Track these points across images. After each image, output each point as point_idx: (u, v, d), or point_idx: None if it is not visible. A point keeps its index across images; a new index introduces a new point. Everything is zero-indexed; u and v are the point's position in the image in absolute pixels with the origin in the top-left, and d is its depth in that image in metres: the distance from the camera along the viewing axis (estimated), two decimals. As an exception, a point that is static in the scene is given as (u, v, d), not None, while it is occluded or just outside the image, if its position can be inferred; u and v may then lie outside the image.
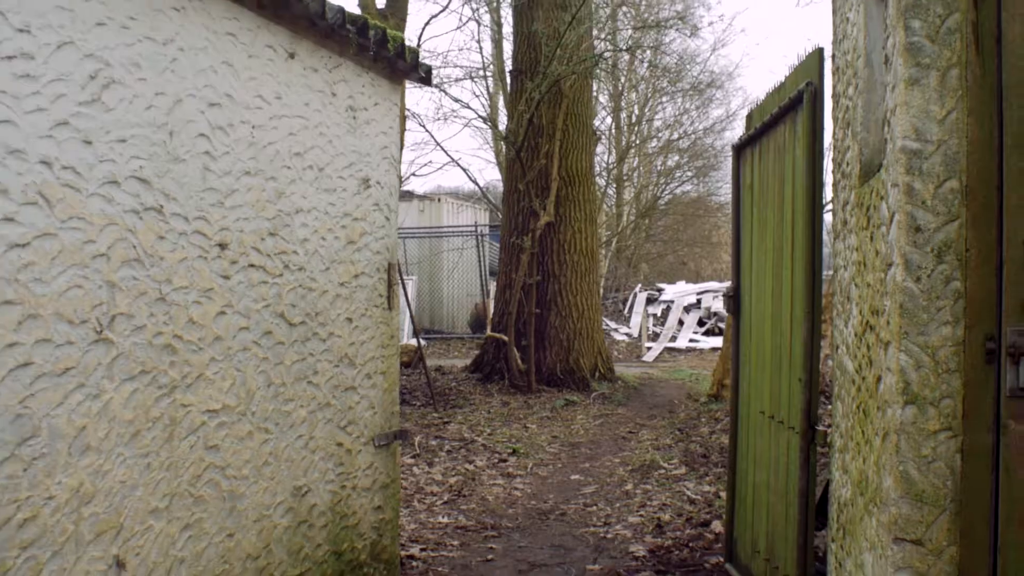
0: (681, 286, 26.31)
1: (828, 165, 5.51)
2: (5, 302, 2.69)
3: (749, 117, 6.36)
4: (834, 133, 4.59)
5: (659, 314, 24.55)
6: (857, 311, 3.55)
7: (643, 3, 28.01)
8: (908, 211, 2.61)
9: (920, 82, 2.58)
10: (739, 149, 6.46)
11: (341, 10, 4.29)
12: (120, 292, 3.12)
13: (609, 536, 7.48)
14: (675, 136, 34.21)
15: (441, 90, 6.85)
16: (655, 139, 34.07)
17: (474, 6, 17.06)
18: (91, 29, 2.98)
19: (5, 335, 2.69)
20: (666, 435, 11.85)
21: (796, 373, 5.04)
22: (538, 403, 13.65)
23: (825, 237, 5.26)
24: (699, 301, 24.40)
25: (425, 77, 5.23)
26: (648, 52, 17.71)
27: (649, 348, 21.83)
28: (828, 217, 7.71)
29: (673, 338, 22.83)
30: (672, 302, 24.42)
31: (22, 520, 2.76)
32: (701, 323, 23.89)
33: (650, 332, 23.42)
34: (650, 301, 25.06)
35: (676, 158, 35.15)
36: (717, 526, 7.51)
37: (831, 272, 5.16)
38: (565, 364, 14.59)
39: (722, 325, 23.40)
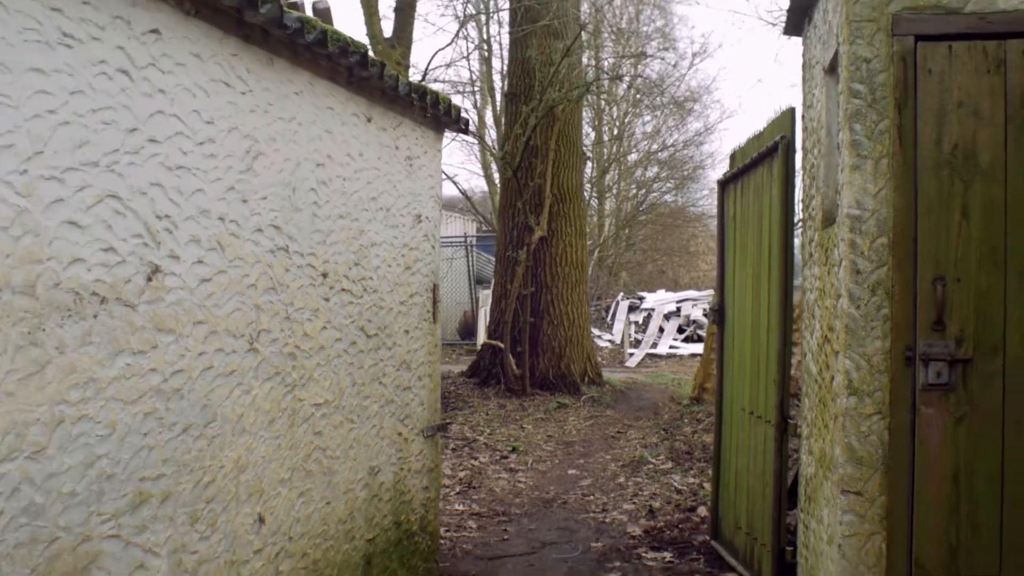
0: (661, 294, 27.39)
1: (798, 203, 6.54)
2: (198, 322, 3.70)
3: (732, 157, 7.42)
4: (803, 179, 5.67)
5: (640, 321, 25.61)
6: (819, 327, 4.61)
7: (624, 18, 29.08)
8: (851, 259, 3.66)
9: (860, 168, 3.64)
10: (723, 184, 7.53)
11: (408, 83, 5.33)
12: (263, 313, 4.14)
13: (607, 520, 8.51)
14: (654, 148, 35.28)
15: (472, 134, 7.67)
16: (635, 151, 35.14)
17: (470, 35, 18.06)
18: (246, 116, 4.00)
19: (197, 346, 3.70)
20: (652, 434, 12.89)
21: (771, 376, 6.10)
22: (532, 405, 14.67)
23: (796, 260, 6.31)
24: (679, 309, 25.50)
25: (464, 128, 6.27)
26: (633, 72, 18.75)
27: (631, 354, 22.88)
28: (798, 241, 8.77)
29: (654, 345, 23.89)
30: (653, 310, 25.49)
31: (207, 482, 3.77)
32: (681, 330, 24.97)
33: (632, 339, 24.48)
34: (632, 309, 26.12)
35: (655, 170, 36.26)
36: (702, 511, 8.56)
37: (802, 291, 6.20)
38: (557, 369, 15.62)
39: (701, 332, 24.50)
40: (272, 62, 4.17)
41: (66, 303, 2.99)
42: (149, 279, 3.38)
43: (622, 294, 27.87)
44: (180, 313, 3.56)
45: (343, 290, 4.87)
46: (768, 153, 6.26)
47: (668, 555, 7.35)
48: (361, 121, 5.04)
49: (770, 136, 6.30)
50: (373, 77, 4.95)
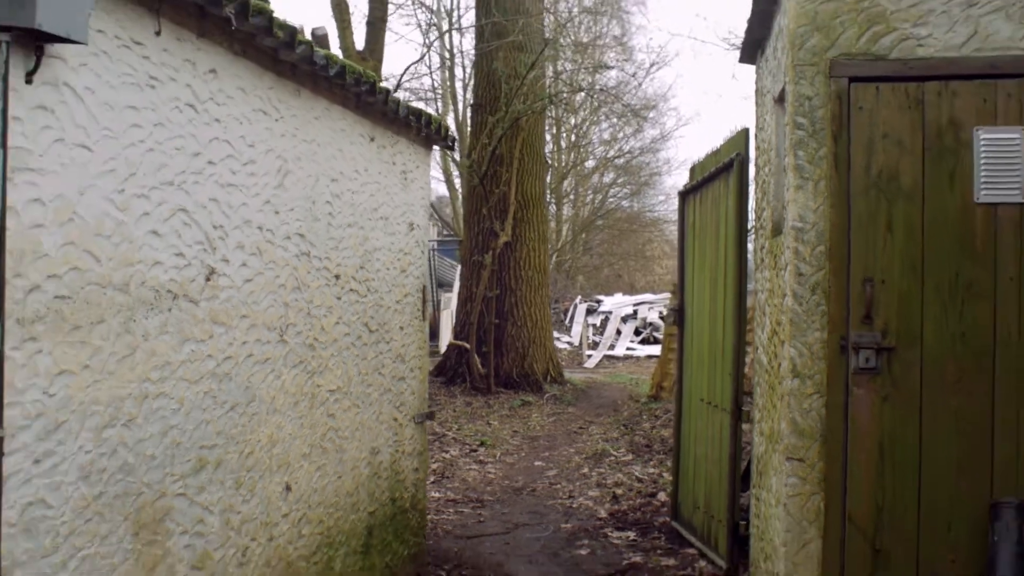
0: (618, 298, 28.16)
1: (751, 213, 7.26)
2: (242, 316, 4.33)
3: (692, 170, 8.14)
4: (756, 193, 6.39)
5: (598, 324, 26.37)
6: (768, 322, 5.33)
7: (582, 29, 29.84)
8: (795, 264, 4.37)
9: (803, 188, 4.35)
10: (684, 195, 8.25)
11: (407, 106, 5.99)
12: (290, 309, 4.78)
13: (574, 505, 9.20)
14: (611, 154, 36.08)
15: (450, 148, 8.15)
16: (591, 157, 35.93)
17: (434, 45, 18.73)
18: (278, 139, 4.64)
19: (241, 336, 4.33)
20: (613, 430, 13.61)
21: (727, 369, 6.82)
22: (498, 403, 15.34)
23: (749, 265, 7.03)
24: (636, 312, 26.28)
25: (451, 145, 6.93)
26: (591, 82, 19.49)
27: (590, 356, 23.62)
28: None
29: (612, 346, 24.64)
30: (610, 313, 26.25)
31: (248, 453, 4.40)
32: (637, 332, 25.75)
33: (590, 341, 25.23)
34: (589, 312, 26.87)
35: (611, 176, 37.10)
36: (662, 496, 9.28)
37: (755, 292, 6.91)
38: (521, 369, 16.31)
39: (657, 335, 25.29)
40: (299, 92, 4.81)
41: (149, 299, 3.62)
42: (207, 279, 4.02)
43: (580, 297, 28.62)
44: (229, 308, 4.20)
45: (351, 290, 5.51)
46: (725, 168, 6.98)
47: (632, 534, 8.04)
48: (366, 140, 5.68)
49: (726, 153, 7.02)
50: (378, 102, 5.60)
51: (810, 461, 4.35)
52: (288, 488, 4.79)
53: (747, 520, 6.76)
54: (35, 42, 2.97)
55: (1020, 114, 4.19)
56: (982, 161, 4.20)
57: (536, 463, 11.44)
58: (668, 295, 29.21)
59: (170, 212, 3.74)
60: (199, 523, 3.99)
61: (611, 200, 37.22)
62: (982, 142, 4.21)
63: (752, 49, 6.29)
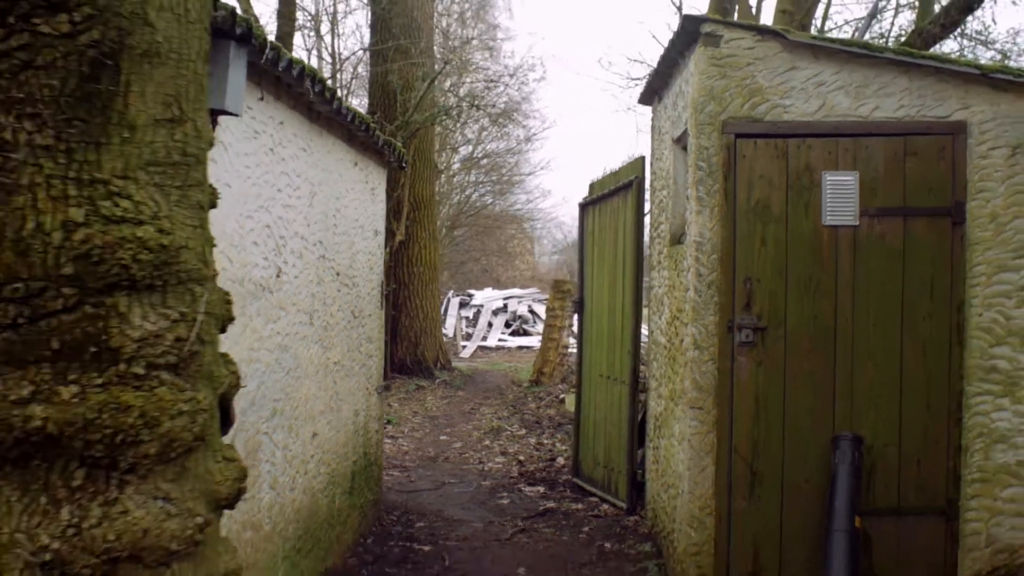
0: (489, 292, 29.84)
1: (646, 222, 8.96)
2: (293, 304, 5.79)
3: (592, 186, 9.82)
4: (652, 209, 8.09)
5: (471, 317, 27.99)
6: (668, 310, 7.02)
7: (451, 27, 31.33)
8: (696, 268, 6.06)
9: (702, 213, 6.04)
10: (584, 206, 9.93)
11: (383, 137, 7.49)
12: (315, 299, 6.25)
13: (487, 468, 10.81)
14: (477, 155, 37.66)
15: (403, 169, 9.29)
16: (457, 157, 37.46)
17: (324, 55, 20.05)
18: (311, 169, 6.10)
19: (293, 319, 5.78)
20: (502, 410, 15.26)
21: (626, 349, 8.51)
22: (395, 387, 16.81)
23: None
24: (506, 306, 28.00)
25: (403, 166, 8.45)
26: (482, 100, 21.10)
27: (464, 346, 25.22)
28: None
29: (484, 338, 26.30)
30: (482, 306, 27.91)
31: (295, 406, 5.86)
32: (508, 325, 27.47)
33: (464, 333, 26.83)
34: (462, 305, 28.47)
35: (475, 175, 38.69)
36: (560, 460, 10.95)
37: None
38: (414, 356, 17.82)
39: (526, 327, 27.06)
40: (322, 133, 6.29)
41: (253, 290, 5.07)
42: (277, 276, 5.48)
43: (452, 291, 30.19)
44: (286, 298, 5.66)
45: (344, 284, 7.00)
46: (625, 187, 8.67)
47: (541, 488, 9.69)
48: (351, 165, 7.17)
49: (625, 175, 8.72)
50: (367, 137, 7.09)
51: (707, 409, 6.05)
52: (315, 435, 6.26)
53: (642, 470, 8.49)
54: (214, 115, 4.41)
55: (854, 162, 5.97)
56: (828, 196, 5.96)
57: (441, 438, 12.98)
58: (535, 290, 31.01)
59: (262, 228, 5.20)
60: (272, 455, 5.45)
61: (476, 198, 38.79)
62: (828, 182, 5.97)
63: (650, 95, 8.00)
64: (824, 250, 6.00)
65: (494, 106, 23.45)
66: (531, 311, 27.77)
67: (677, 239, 7.01)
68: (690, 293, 6.15)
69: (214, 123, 4.42)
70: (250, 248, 5.02)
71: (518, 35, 48.74)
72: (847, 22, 18.74)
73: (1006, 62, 13.66)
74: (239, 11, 4.29)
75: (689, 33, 6.19)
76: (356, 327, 7.37)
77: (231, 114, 4.43)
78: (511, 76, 22.89)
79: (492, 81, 23.12)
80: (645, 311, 8.72)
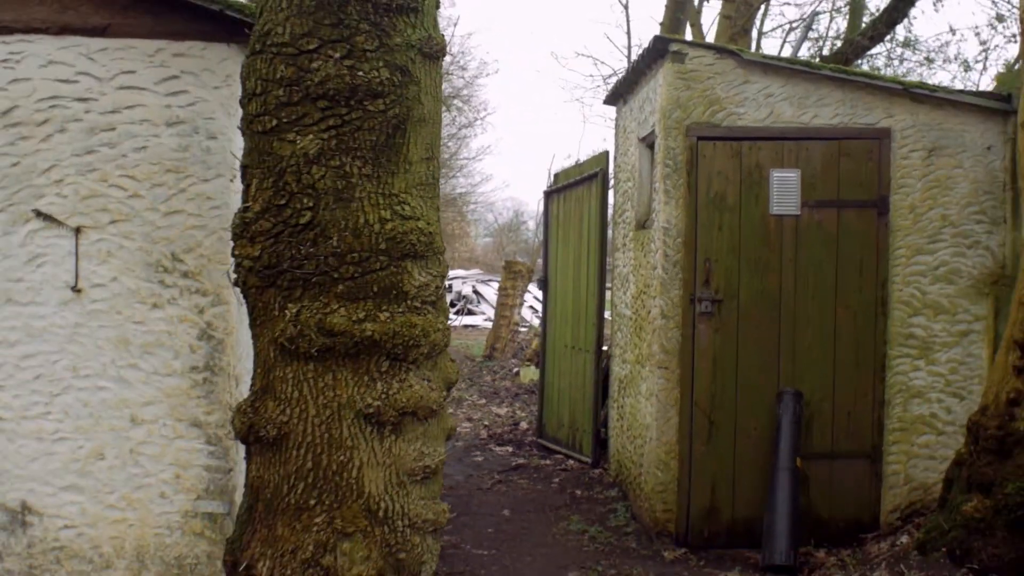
0: (434, 273, 30.82)
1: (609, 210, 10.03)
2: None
3: (556, 176, 10.89)
4: (616, 198, 9.18)
5: (417, 296, 28.94)
6: (633, 286, 8.12)
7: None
8: (663, 250, 7.16)
9: (668, 203, 7.13)
10: (548, 194, 11.00)
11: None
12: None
13: (457, 432, 11.86)
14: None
15: None
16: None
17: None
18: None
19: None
20: (460, 382, 16.29)
21: (591, 321, 9.60)
22: (355, 362, 17.76)
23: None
24: (450, 286, 29.01)
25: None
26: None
27: (413, 324, 26.21)
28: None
29: (431, 316, 27.30)
30: (428, 286, 28.88)
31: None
32: (452, 305, 28.50)
33: (411, 311, 27.79)
34: (408, 285, 29.40)
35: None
36: (524, 425, 12.04)
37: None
38: (372, 333, 18.78)
39: (471, 307, 28.10)
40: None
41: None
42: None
43: (398, 272, 31.10)
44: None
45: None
46: (590, 178, 9.75)
47: (510, 448, 10.77)
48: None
49: (590, 167, 9.79)
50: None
51: (672, 369, 7.16)
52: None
53: (605, 428, 9.60)
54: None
55: (796, 161, 7.09)
56: (774, 189, 7.08)
57: (408, 406, 13.99)
58: (478, 271, 32.08)
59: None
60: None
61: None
62: (774, 178, 7.09)
63: (616, 97, 9.08)
64: (771, 235, 7.11)
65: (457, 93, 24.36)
66: (475, 291, 28.81)
67: (642, 225, 8.09)
68: (658, 271, 7.23)
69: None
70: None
71: (460, 19, 49.55)
72: (780, 26, 19.99)
73: (931, 65, 14.98)
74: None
75: (658, 50, 7.27)
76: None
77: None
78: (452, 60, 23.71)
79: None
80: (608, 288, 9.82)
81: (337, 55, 2.31)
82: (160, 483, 4.68)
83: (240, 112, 4.48)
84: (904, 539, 6.52)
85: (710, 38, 14.06)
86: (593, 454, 9.61)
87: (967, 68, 13.93)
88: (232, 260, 2.63)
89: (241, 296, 4.38)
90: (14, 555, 4.66)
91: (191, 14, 4.60)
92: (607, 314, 9.86)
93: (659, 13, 19.37)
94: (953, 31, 22.84)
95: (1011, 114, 7.06)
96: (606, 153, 9.59)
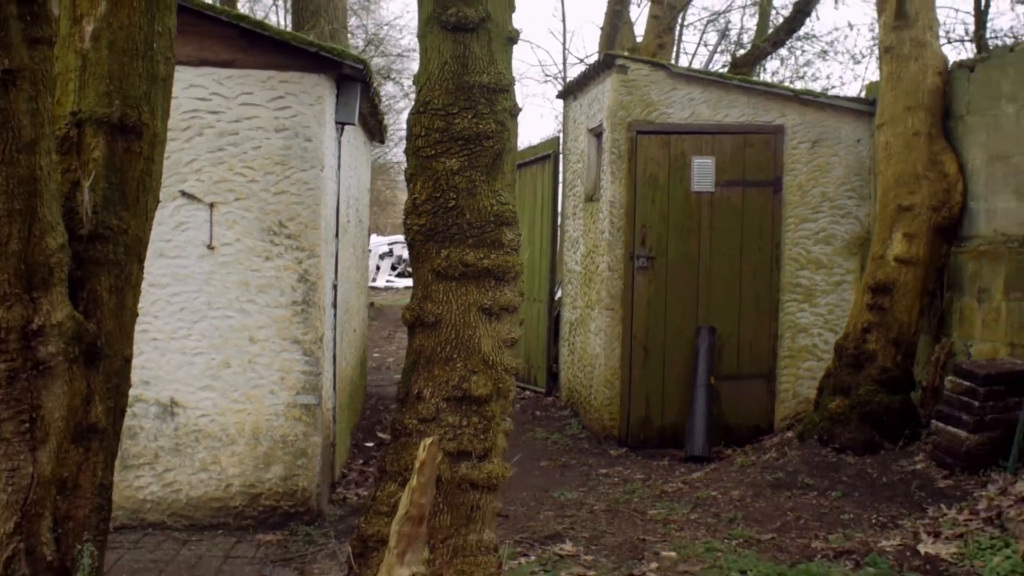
0: (375, 238, 32.63)
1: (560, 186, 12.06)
2: (352, 240, 8.73)
3: (512, 155, 12.92)
4: (566, 176, 11.25)
5: (359, 260, 30.78)
6: (583, 247, 10.22)
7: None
8: (610, 219, 9.25)
9: (614, 183, 9.22)
10: (505, 170, 13.04)
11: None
12: (356, 238, 9.20)
13: (424, 373, 13.88)
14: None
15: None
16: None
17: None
18: (352, 148, 9.02)
19: (352, 250, 8.71)
20: (415, 335, 18.28)
21: (544, 275, 11.70)
22: (317, 318, 19.67)
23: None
24: (391, 250, 30.91)
25: (383, 139, 11.41)
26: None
27: (357, 286, 28.10)
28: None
29: (374, 280, 29.18)
30: (370, 251, 30.75)
31: (348, 308, 8.83)
32: (394, 268, 30.41)
33: (354, 274, 29.65)
34: (350, 250, 31.22)
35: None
36: (481, 367, 14.11)
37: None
38: (331, 292, 20.66)
39: (411, 269, 30.04)
40: (368, 140, 9.20)
41: (337, 233, 8.02)
42: (347, 222, 8.42)
43: (339, 237, 32.85)
44: (350, 238, 8.61)
45: (360, 228, 9.93)
46: (543, 158, 11.80)
47: (473, 384, 12.82)
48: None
49: (543, 149, 11.85)
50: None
51: (616, 310, 9.28)
52: (355, 330, 9.24)
53: (556, 364, 11.72)
54: (341, 125, 7.33)
55: (712, 150, 9.21)
56: (695, 172, 9.21)
57: (374, 354, 15.96)
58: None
59: (348, 190, 8.11)
60: (340, 339, 8.41)
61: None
62: (695, 163, 9.21)
63: (567, 94, 11.14)
64: (692, 207, 9.25)
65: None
66: (414, 255, 30.70)
67: (591, 198, 10.18)
68: (605, 235, 9.34)
69: (341, 131, 7.35)
70: (343, 207, 7.94)
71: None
72: (700, 19, 22.12)
73: (825, 56, 17.29)
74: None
75: (607, 63, 9.35)
76: (361, 258, 10.34)
77: (351, 124, 7.37)
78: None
79: (373, 39, 25.87)
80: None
81: (469, 115, 4.29)
82: (270, 383, 6.64)
83: (330, 122, 6.45)
84: (789, 434, 8.74)
85: (639, 30, 16.16)
86: (547, 385, 11.72)
87: (856, 61, 16.17)
88: (402, 224, 4.60)
89: (332, 251, 6.36)
90: (165, 436, 6.60)
91: (294, 52, 6.54)
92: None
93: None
94: (851, 26, 25.16)
95: (875, 115, 9.26)
96: (557, 139, 11.66)
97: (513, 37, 4.51)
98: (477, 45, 4.34)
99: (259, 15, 24.72)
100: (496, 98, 4.39)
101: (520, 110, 4.57)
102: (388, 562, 3.41)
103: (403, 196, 48.32)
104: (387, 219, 44.31)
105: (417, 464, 3.46)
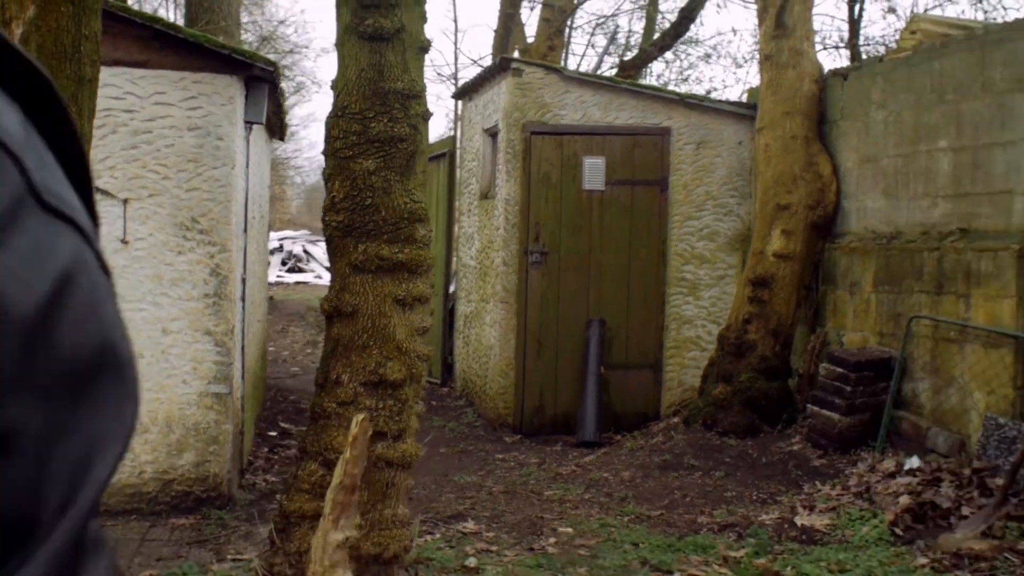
0: (264, 233, 32.54)
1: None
2: (258, 237, 8.95)
3: (407, 153, 13.24)
4: (461, 175, 11.62)
5: (248, 255, 30.66)
6: (478, 243, 10.60)
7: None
8: (505, 215, 9.64)
9: (509, 181, 9.62)
10: (401, 167, 13.36)
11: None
12: (260, 235, 9.43)
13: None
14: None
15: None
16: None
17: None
18: (256, 146, 9.24)
19: (257, 246, 8.94)
20: (310, 329, 18.45)
21: (440, 270, 12.03)
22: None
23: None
24: (281, 246, 30.87)
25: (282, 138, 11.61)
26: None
27: (247, 281, 28.02)
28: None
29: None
30: (259, 246, 30.64)
31: (254, 302, 9.05)
32: (284, 263, 30.39)
33: (244, 269, 29.53)
34: (239, 245, 31.07)
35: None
36: (376, 360, 14.40)
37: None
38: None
39: (301, 265, 30.05)
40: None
41: (244, 228, 8.25)
42: (255, 219, 8.65)
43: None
44: (256, 234, 8.84)
45: (261, 227, 10.15)
46: (439, 156, 12.14)
47: (370, 376, 13.11)
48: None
49: (440, 148, 12.18)
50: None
51: (511, 303, 9.68)
52: (259, 321, 9.46)
53: (451, 355, 12.07)
54: (250, 124, 7.57)
55: (603, 151, 9.67)
56: (586, 171, 9.66)
57: (269, 348, 16.09)
58: (307, 231, 33.88)
59: (260, 186, 8.34)
60: (248, 332, 8.64)
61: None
62: (586, 163, 9.66)
63: (462, 95, 11.50)
64: (584, 205, 9.69)
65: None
66: (305, 251, 30.74)
67: (485, 195, 10.56)
68: (500, 231, 9.73)
69: (250, 130, 7.59)
70: (250, 203, 8.17)
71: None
72: (588, 22, 22.69)
73: (708, 60, 17.99)
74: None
75: (503, 66, 9.74)
76: (263, 254, 10.54)
77: (259, 123, 7.62)
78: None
79: (267, 36, 25.89)
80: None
81: (384, 119, 4.62)
82: (183, 373, 6.86)
83: (240, 122, 6.69)
84: (675, 420, 9.25)
85: (530, 31, 16.61)
86: (442, 375, 12.07)
87: (739, 65, 16.86)
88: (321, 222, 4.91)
89: (239, 243, 6.61)
90: (76, 424, 6.79)
91: (207, 54, 6.77)
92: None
93: None
94: (735, 31, 26.03)
95: (756, 119, 9.83)
96: (453, 138, 12.01)
97: (425, 47, 4.86)
98: (392, 54, 4.68)
99: (147, 9, 24.57)
100: (409, 103, 4.73)
101: (431, 115, 4.92)
102: (323, 528, 3.74)
103: (291, 192, 48.02)
104: (275, 215, 43.99)
105: (350, 438, 3.78)
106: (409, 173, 4.79)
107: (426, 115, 4.86)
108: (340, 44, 4.78)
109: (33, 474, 0.49)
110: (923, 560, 5.45)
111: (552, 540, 6.04)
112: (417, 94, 4.77)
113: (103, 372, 0.53)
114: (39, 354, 0.48)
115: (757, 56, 17.19)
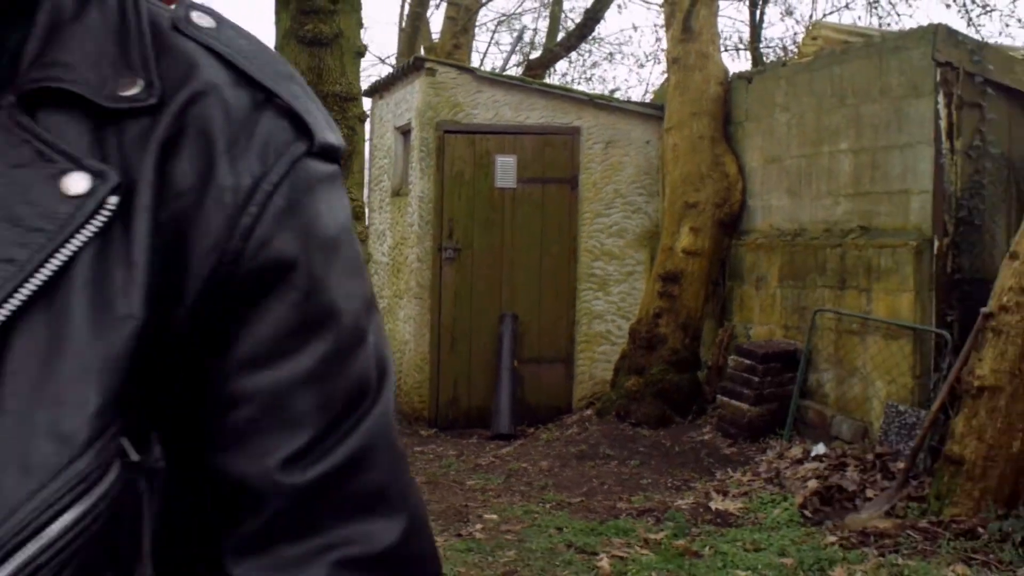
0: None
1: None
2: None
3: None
4: (372, 172, 11.72)
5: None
6: (391, 239, 10.72)
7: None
8: (419, 212, 9.78)
9: (423, 178, 9.76)
10: (309, 164, 13.38)
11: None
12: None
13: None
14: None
15: None
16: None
17: None
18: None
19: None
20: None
21: (351, 268, 12.13)
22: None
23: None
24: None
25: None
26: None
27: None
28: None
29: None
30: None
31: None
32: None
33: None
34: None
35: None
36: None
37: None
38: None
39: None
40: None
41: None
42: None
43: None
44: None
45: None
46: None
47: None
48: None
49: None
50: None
51: (425, 299, 9.82)
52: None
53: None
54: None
55: (514, 149, 9.87)
56: (498, 169, 9.84)
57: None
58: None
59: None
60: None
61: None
62: (498, 161, 9.85)
63: (372, 93, 11.60)
64: (496, 202, 9.88)
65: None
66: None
67: (398, 192, 10.67)
68: (414, 228, 9.86)
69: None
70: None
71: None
72: (492, 20, 22.88)
73: (612, 59, 18.30)
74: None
75: (416, 66, 9.87)
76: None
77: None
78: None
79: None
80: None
81: (322, 121, 4.79)
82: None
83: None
84: (589, 412, 9.50)
85: (435, 29, 16.72)
86: (353, 373, 12.14)
87: (641, 65, 17.16)
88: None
89: None
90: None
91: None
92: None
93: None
94: (635, 28, 26.45)
95: (663, 119, 10.13)
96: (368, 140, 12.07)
97: (361, 51, 5.00)
98: (331, 58, 4.81)
99: None
100: (347, 106, 4.87)
101: (367, 116, 5.06)
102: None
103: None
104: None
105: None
106: (346, 173, 4.92)
107: (362, 116, 5.01)
108: (280, 48, 4.89)
109: (372, 351, 0.73)
110: (832, 538, 5.76)
111: (479, 526, 6.22)
112: (354, 96, 4.92)
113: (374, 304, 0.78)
114: (363, 276, 0.77)
115: (659, 56, 17.60)
